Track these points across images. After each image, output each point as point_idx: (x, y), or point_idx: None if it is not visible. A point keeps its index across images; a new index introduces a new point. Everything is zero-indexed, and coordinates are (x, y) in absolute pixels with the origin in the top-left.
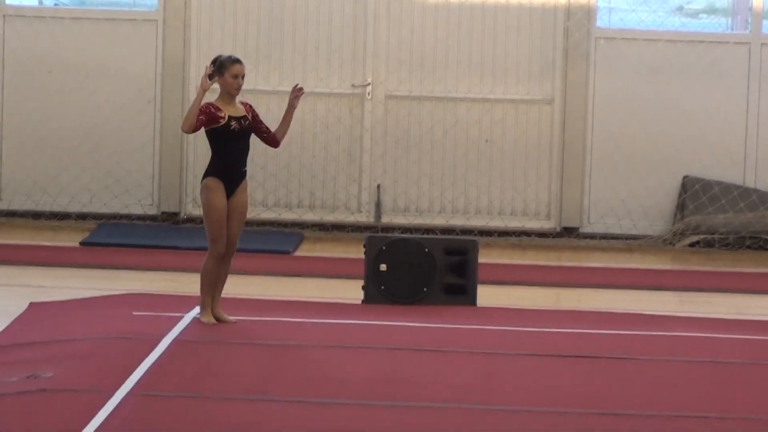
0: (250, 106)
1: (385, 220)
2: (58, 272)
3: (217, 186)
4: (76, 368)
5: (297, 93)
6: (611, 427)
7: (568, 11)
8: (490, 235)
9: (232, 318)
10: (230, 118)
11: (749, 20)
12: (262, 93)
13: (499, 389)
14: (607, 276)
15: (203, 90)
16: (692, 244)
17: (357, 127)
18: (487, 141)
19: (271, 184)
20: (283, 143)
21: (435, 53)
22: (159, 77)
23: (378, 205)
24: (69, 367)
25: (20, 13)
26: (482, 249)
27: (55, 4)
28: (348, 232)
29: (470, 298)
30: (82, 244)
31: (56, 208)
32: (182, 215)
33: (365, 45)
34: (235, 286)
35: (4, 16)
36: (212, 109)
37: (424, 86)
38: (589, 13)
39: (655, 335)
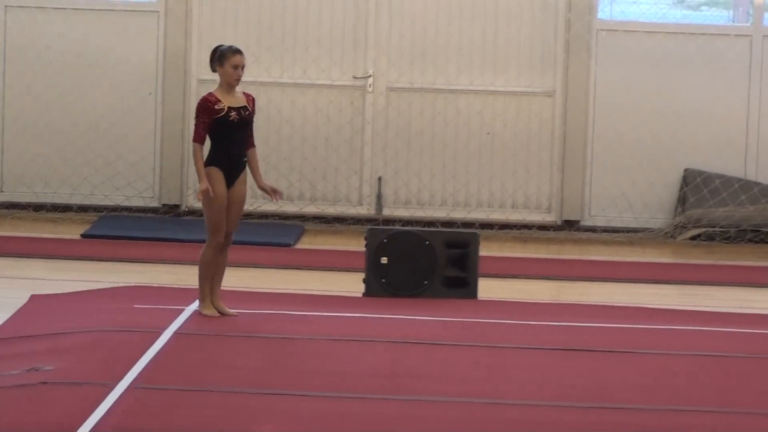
0: (253, 100)
1: (386, 212)
2: (59, 264)
3: (218, 176)
4: (77, 361)
5: (275, 196)
6: (612, 420)
7: (570, 3)
8: (491, 228)
9: (232, 311)
10: (229, 108)
11: (750, 12)
12: (263, 84)
13: (499, 382)
14: (608, 269)
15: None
16: (693, 238)
17: (358, 119)
18: (488, 133)
19: (271, 175)
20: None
21: (436, 45)
22: (160, 69)
23: (379, 197)
24: (70, 359)
25: (22, 4)
26: (483, 242)
27: None
28: (349, 224)
29: (471, 291)
30: (83, 236)
31: (57, 201)
32: (183, 207)
33: (366, 37)
34: (236, 279)
35: (6, 6)
36: (209, 105)
37: (425, 78)
38: (591, 4)
39: (655, 328)
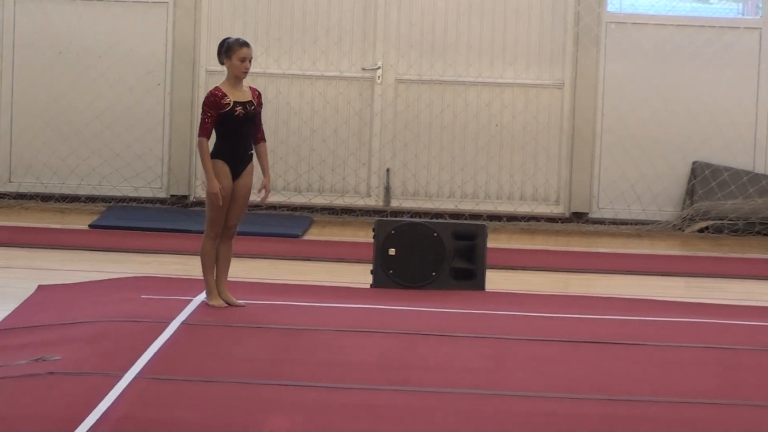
0: (259, 95)
1: (395, 204)
2: (66, 255)
3: (223, 169)
4: (84, 351)
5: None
6: (619, 412)
7: None
8: (499, 220)
9: (240, 301)
10: (235, 103)
11: (760, 5)
12: (272, 76)
13: (507, 374)
14: (615, 261)
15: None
16: (701, 230)
17: (367, 111)
18: (497, 125)
19: (280, 167)
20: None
21: (445, 37)
22: (169, 60)
23: (387, 189)
24: (77, 350)
25: None
26: (491, 234)
27: None
28: (357, 216)
29: (479, 283)
30: (91, 226)
31: (65, 191)
32: (191, 198)
33: (375, 28)
34: (244, 270)
35: None
36: (216, 99)
37: (434, 70)
38: None
39: (663, 321)
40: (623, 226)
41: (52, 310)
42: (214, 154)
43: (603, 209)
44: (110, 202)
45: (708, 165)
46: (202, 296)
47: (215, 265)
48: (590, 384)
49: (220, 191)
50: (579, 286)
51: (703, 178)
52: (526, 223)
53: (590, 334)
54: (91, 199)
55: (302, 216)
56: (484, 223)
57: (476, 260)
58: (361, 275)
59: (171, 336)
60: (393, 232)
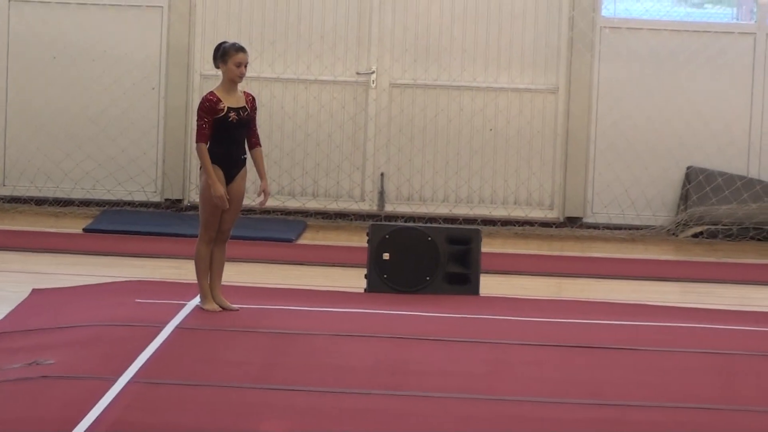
0: (253, 100)
1: (389, 208)
2: (61, 259)
3: (217, 173)
4: (78, 355)
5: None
6: (613, 417)
7: (573, 0)
8: (494, 225)
9: (234, 306)
10: (229, 109)
11: (754, 10)
12: (266, 80)
13: (501, 378)
14: (610, 266)
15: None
16: (696, 235)
17: (361, 115)
18: (491, 130)
19: (274, 171)
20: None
21: (439, 42)
22: (164, 64)
23: (381, 193)
24: (71, 353)
25: None
26: (485, 238)
27: None
28: (351, 220)
29: (473, 288)
30: (86, 230)
31: (60, 195)
32: (186, 202)
33: (370, 33)
34: (238, 274)
35: (10, 1)
36: (211, 104)
37: (428, 75)
38: (594, 2)
39: (657, 326)
40: (617, 231)
41: (46, 314)
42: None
43: (597, 214)
44: (104, 206)
45: (702, 170)
46: (196, 300)
47: (209, 270)
48: (584, 389)
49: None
50: (573, 291)
51: (698, 183)
52: (520, 228)
53: (584, 338)
54: (86, 202)
55: (296, 220)
56: (479, 227)
57: (470, 265)
58: (355, 280)
59: (165, 340)
60: (387, 236)
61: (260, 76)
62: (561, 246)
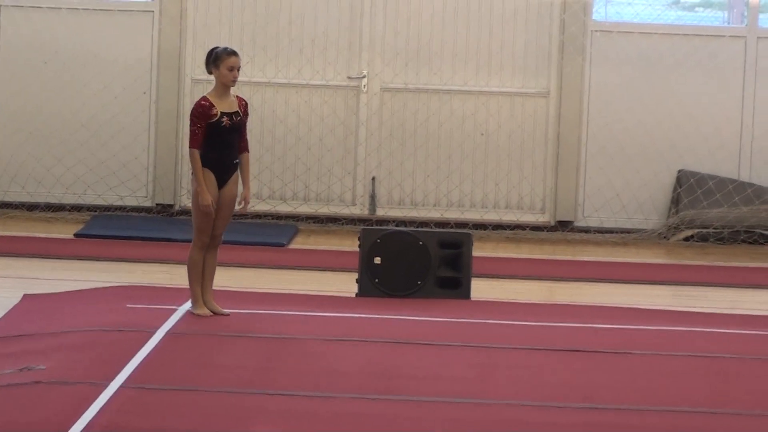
0: (246, 104)
1: (380, 212)
2: (52, 264)
3: (208, 177)
4: (70, 360)
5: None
6: (604, 421)
7: (564, 4)
8: (485, 229)
9: (225, 310)
10: (222, 114)
11: (745, 14)
12: (257, 84)
13: (493, 382)
14: (601, 270)
15: (201, 185)
16: (687, 239)
17: (352, 120)
18: (482, 134)
19: (265, 176)
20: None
21: (431, 46)
22: (155, 68)
23: (373, 197)
24: (62, 359)
25: (17, 3)
26: (477, 242)
27: None
28: (342, 224)
29: (464, 292)
30: (77, 235)
31: (51, 200)
32: (177, 207)
33: (361, 37)
34: (229, 279)
35: (0, 6)
36: (204, 110)
37: (419, 78)
38: (585, 6)
39: (648, 329)
40: (609, 235)
41: (38, 320)
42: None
43: (588, 218)
44: (95, 211)
45: (693, 173)
46: (188, 305)
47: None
48: (576, 393)
49: (205, 198)
50: (565, 295)
51: (689, 187)
52: (511, 232)
53: (576, 342)
54: (77, 208)
55: (287, 225)
56: (470, 231)
57: (462, 269)
58: (346, 284)
59: (156, 345)
60: (378, 240)
61: (251, 80)
62: (552, 250)
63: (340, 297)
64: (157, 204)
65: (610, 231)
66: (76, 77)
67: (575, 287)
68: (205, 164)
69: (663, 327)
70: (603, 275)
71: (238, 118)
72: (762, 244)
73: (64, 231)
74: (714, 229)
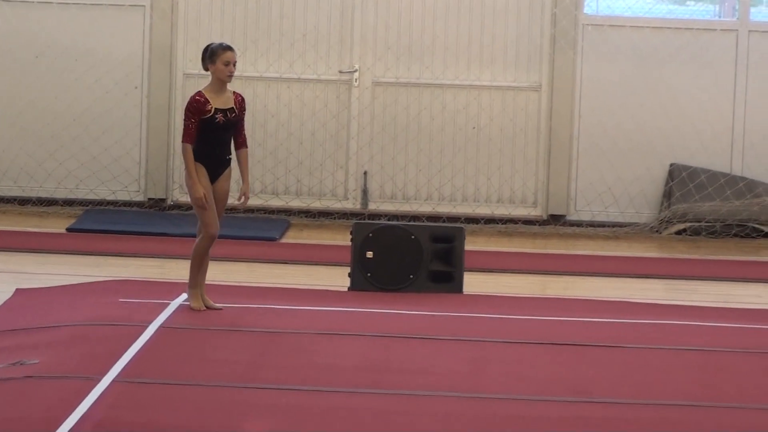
0: (242, 100)
1: (372, 206)
2: (44, 258)
3: (201, 171)
4: (62, 355)
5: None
6: (596, 415)
7: None
8: (477, 223)
9: (218, 305)
10: (216, 110)
11: (737, 7)
12: (249, 79)
13: (485, 377)
14: (593, 264)
15: (193, 178)
16: (679, 232)
17: (344, 114)
18: (474, 128)
19: (257, 170)
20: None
21: (422, 40)
22: (146, 63)
23: (365, 191)
24: (55, 353)
25: None
26: (469, 236)
27: None
28: (334, 218)
29: (457, 286)
30: (69, 230)
31: (43, 194)
32: (169, 201)
33: (352, 31)
34: (222, 273)
35: None
36: (199, 105)
37: (411, 73)
38: None
39: (641, 323)
40: (601, 229)
41: (30, 314)
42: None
43: (580, 211)
44: (88, 206)
45: (685, 167)
46: (180, 299)
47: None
48: (569, 386)
49: (204, 195)
50: (557, 289)
51: (681, 180)
52: (503, 226)
53: (568, 336)
54: (69, 202)
55: (279, 219)
56: (462, 225)
57: (454, 263)
58: (338, 278)
59: (149, 339)
60: (370, 234)
61: (243, 74)
62: (544, 244)
63: (333, 291)
64: (149, 198)
65: (602, 225)
66: (68, 72)
67: (567, 281)
68: (197, 159)
69: (655, 321)
70: (595, 269)
71: (233, 115)
72: (754, 237)
73: (57, 225)
74: (706, 222)
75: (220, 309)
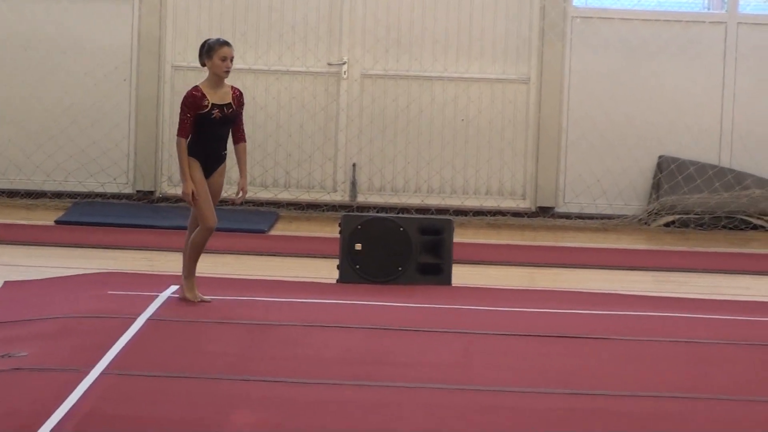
0: (240, 95)
1: (361, 199)
2: (32, 251)
3: (194, 164)
4: (51, 347)
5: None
6: (585, 406)
7: None
8: (466, 215)
9: (207, 297)
10: (213, 105)
11: None
12: (238, 71)
13: (474, 369)
14: (582, 255)
15: (185, 173)
16: (667, 224)
17: (333, 106)
18: (462, 120)
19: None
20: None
21: (411, 32)
22: (135, 55)
23: (353, 184)
24: (43, 346)
25: None
26: (457, 228)
27: None
28: (323, 211)
29: (445, 278)
30: (57, 222)
31: (31, 187)
32: (157, 194)
33: (341, 23)
34: (211, 265)
35: None
36: (195, 100)
37: (400, 65)
38: None
39: (629, 315)
40: (589, 221)
41: (18, 306)
42: (188, 152)
43: (569, 203)
44: (76, 198)
45: (674, 159)
46: (169, 291)
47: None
48: (558, 378)
49: (192, 192)
50: (545, 281)
51: (669, 173)
52: (492, 218)
53: (557, 328)
54: (57, 195)
55: (268, 211)
56: (451, 217)
57: (443, 255)
58: (327, 270)
59: (138, 331)
60: (359, 227)
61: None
62: (533, 236)
63: (321, 283)
64: (137, 191)
65: (591, 217)
66: (57, 64)
67: (556, 273)
68: (192, 153)
69: (643, 312)
70: (584, 261)
71: (230, 110)
72: (742, 229)
73: (45, 218)
74: (694, 214)
75: (209, 301)
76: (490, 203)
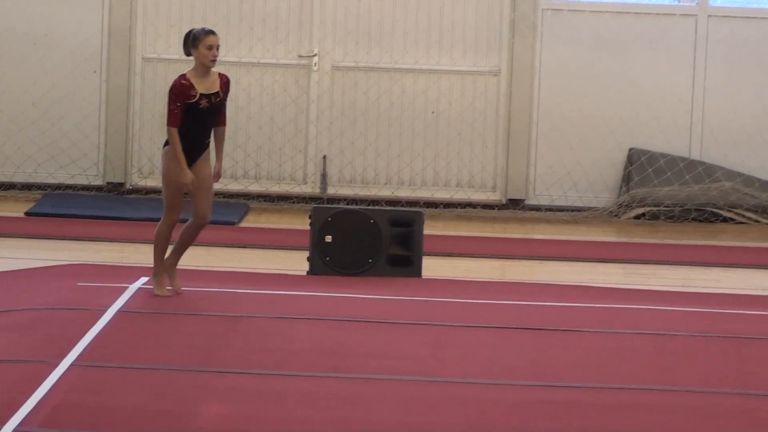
0: (228, 82)
1: (331, 191)
2: (2, 242)
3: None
4: (20, 339)
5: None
6: (555, 398)
7: None
8: (436, 207)
9: (180, 288)
10: (201, 95)
11: None
12: None
13: (445, 360)
14: (552, 248)
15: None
16: (638, 217)
17: (303, 98)
18: (433, 112)
19: None
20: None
21: (382, 24)
22: (105, 47)
23: (324, 176)
24: (12, 337)
25: None
26: (428, 220)
27: None
28: (293, 203)
29: (415, 270)
30: (27, 214)
31: (1, 179)
32: (128, 186)
33: (312, 16)
34: (182, 257)
35: None
36: (184, 89)
37: (370, 57)
38: None
39: (599, 307)
40: (560, 213)
41: None
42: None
43: (539, 196)
44: (46, 190)
45: (644, 151)
46: (139, 283)
47: (179, 243)
48: (528, 370)
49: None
50: (516, 273)
51: (639, 165)
52: (462, 210)
53: (527, 320)
54: (27, 186)
55: (238, 203)
56: (421, 209)
57: (413, 247)
58: (297, 262)
59: (107, 323)
60: (329, 219)
61: None
62: (504, 228)
63: (291, 275)
64: (107, 183)
65: (561, 209)
66: (26, 55)
67: (526, 265)
68: None
69: (614, 305)
70: (554, 253)
71: (218, 99)
72: (712, 222)
73: (15, 209)
74: (665, 207)
75: (180, 293)
76: (460, 195)
